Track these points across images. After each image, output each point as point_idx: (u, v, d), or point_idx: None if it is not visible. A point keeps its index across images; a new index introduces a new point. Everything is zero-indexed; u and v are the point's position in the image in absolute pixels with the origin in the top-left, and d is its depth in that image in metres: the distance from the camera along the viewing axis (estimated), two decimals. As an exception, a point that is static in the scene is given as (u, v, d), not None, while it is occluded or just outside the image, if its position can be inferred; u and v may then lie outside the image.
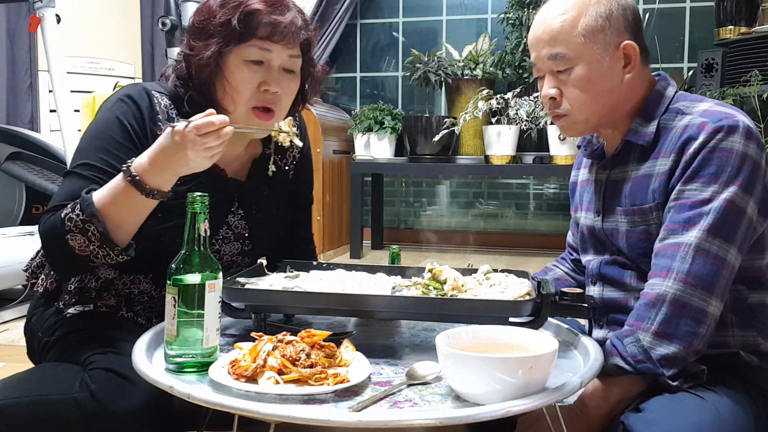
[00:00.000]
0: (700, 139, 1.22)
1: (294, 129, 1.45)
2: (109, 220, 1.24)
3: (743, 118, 1.24)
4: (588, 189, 1.45)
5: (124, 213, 1.25)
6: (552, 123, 3.63)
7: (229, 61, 1.35)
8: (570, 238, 1.64)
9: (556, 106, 1.34)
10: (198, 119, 1.18)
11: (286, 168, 1.58)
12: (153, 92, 1.39)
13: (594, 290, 1.41)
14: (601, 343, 1.31)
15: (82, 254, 1.27)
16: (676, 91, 1.35)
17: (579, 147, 1.51)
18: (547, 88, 1.34)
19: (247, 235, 1.49)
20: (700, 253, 1.18)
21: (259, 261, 1.42)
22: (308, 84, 1.48)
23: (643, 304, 1.20)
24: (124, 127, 1.34)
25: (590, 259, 1.44)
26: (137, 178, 1.22)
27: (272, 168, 1.48)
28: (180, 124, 1.18)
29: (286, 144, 1.41)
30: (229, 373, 1.03)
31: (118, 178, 1.24)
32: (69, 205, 1.26)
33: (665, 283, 1.19)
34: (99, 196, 1.25)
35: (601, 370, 1.18)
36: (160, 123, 1.37)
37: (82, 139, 1.38)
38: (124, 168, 1.23)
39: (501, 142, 3.86)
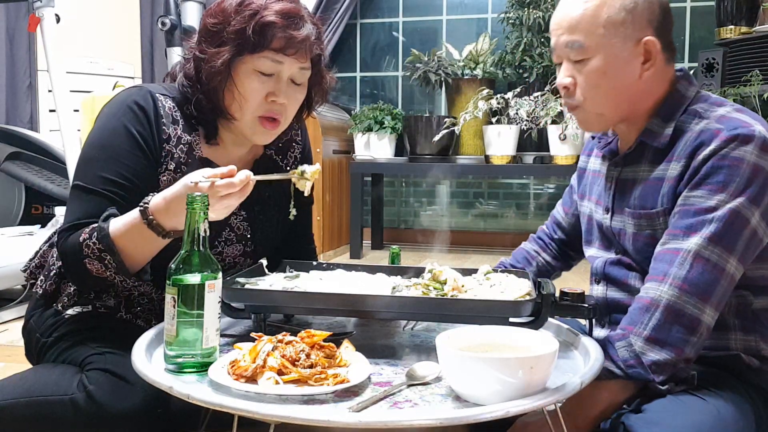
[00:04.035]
0: (712, 146, 1.19)
1: (317, 175, 1.38)
2: (124, 253, 1.25)
3: (761, 128, 1.20)
4: (598, 182, 1.43)
5: (139, 248, 1.26)
6: (553, 123, 3.64)
7: (239, 69, 1.34)
8: (559, 215, 1.62)
9: (570, 95, 1.31)
10: (220, 180, 1.18)
11: (288, 169, 1.58)
12: (157, 95, 1.38)
13: (598, 289, 1.40)
14: (603, 342, 1.30)
15: (100, 276, 1.29)
16: (698, 92, 1.31)
17: (593, 137, 1.48)
18: (562, 77, 1.31)
19: (249, 236, 1.49)
20: (698, 260, 1.17)
21: (259, 261, 1.42)
22: (315, 93, 1.47)
23: (637, 308, 1.19)
24: (134, 136, 1.34)
25: (594, 256, 1.43)
26: (154, 221, 1.22)
27: (293, 212, 1.42)
28: (204, 183, 1.17)
29: (303, 189, 1.36)
30: (229, 374, 1.02)
31: (135, 217, 1.24)
32: (87, 231, 1.26)
33: (661, 288, 1.18)
34: (115, 228, 1.25)
35: None
36: (165, 126, 1.37)
37: (90, 147, 1.36)
38: (141, 209, 1.23)
39: (501, 142, 3.85)
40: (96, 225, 1.26)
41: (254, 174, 1.48)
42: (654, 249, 1.25)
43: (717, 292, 1.17)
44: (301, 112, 1.50)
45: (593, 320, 1.25)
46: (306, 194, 1.37)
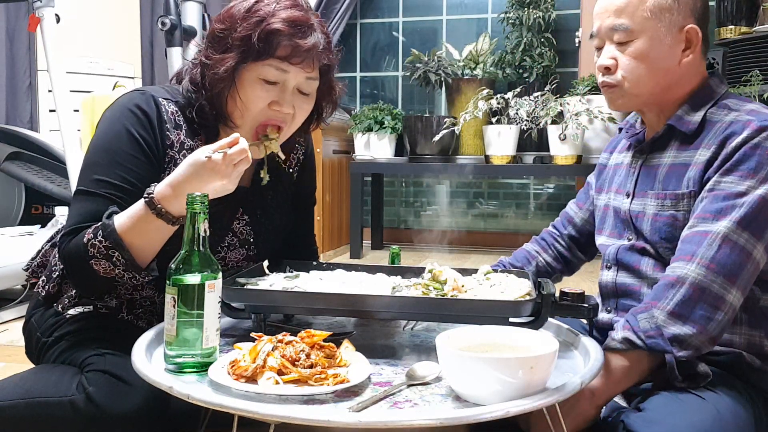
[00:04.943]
0: (744, 134, 1.23)
1: (276, 135, 1.39)
2: (133, 247, 1.24)
3: None
4: (620, 172, 1.46)
5: (148, 239, 1.26)
6: (553, 123, 3.64)
7: (243, 76, 1.32)
8: (571, 211, 1.64)
9: (609, 74, 1.35)
10: (229, 148, 1.20)
11: (290, 170, 1.57)
12: (160, 99, 1.37)
13: (608, 274, 1.41)
14: (607, 327, 1.31)
15: (108, 276, 1.28)
16: (727, 90, 1.36)
17: (620, 130, 1.52)
18: (604, 58, 1.35)
19: (252, 240, 1.48)
20: (727, 242, 1.19)
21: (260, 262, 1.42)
22: (324, 104, 1.46)
23: (663, 285, 1.21)
24: (137, 140, 1.32)
25: (605, 244, 1.44)
26: (163, 210, 1.22)
27: (266, 177, 1.41)
28: (216, 156, 1.19)
29: (276, 150, 1.37)
30: (229, 374, 1.03)
31: (140, 208, 1.23)
32: (90, 230, 1.25)
33: (688, 267, 1.19)
34: (121, 222, 1.24)
35: (610, 345, 1.20)
36: (168, 132, 1.36)
37: (92, 151, 1.35)
38: (147, 199, 1.22)
39: (501, 142, 3.85)
40: (99, 224, 1.25)
41: (256, 179, 1.48)
42: (671, 229, 1.29)
43: (743, 275, 1.19)
44: (309, 123, 1.48)
45: (593, 320, 1.25)
46: (282, 156, 1.38)
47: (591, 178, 1.61)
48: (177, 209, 1.22)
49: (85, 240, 1.25)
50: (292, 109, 1.35)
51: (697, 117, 1.31)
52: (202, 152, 1.20)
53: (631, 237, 1.38)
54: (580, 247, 1.63)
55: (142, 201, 1.23)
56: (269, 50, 1.30)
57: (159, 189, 1.23)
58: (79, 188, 1.33)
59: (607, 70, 1.35)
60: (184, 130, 1.38)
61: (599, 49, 1.38)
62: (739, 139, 1.23)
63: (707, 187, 1.25)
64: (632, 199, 1.38)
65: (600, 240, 1.48)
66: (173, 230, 1.26)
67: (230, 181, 1.22)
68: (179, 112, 1.39)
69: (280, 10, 1.31)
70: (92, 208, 1.29)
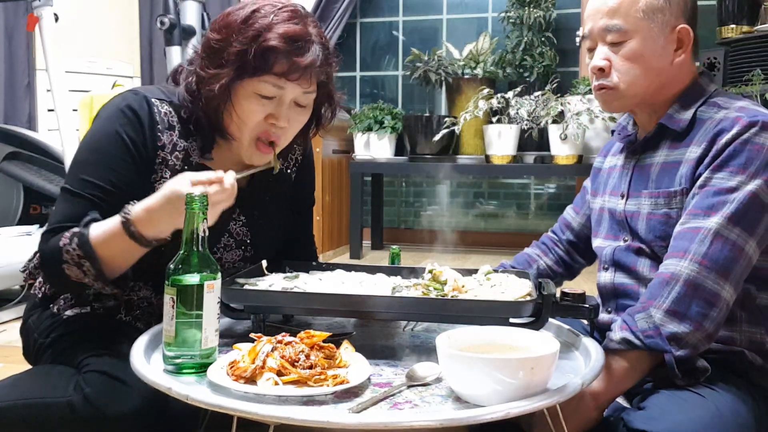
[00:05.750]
0: (734, 131, 1.24)
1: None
2: (104, 260, 1.24)
3: None
4: (614, 175, 1.47)
5: (119, 256, 1.25)
6: (553, 123, 3.64)
7: (239, 91, 1.30)
8: (569, 216, 1.65)
9: (604, 76, 1.36)
10: (211, 188, 1.17)
11: (288, 171, 1.57)
12: (153, 100, 1.35)
13: (606, 276, 1.41)
14: (606, 326, 1.30)
15: (79, 282, 1.28)
16: (717, 89, 1.37)
17: (612, 132, 1.53)
18: (598, 59, 1.35)
19: (248, 241, 1.47)
20: (719, 238, 1.19)
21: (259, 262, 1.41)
22: (323, 111, 1.44)
23: (657, 283, 1.22)
24: (125, 142, 1.31)
25: (602, 246, 1.45)
26: (136, 233, 1.21)
27: (277, 166, 1.39)
28: (195, 191, 1.15)
29: (278, 165, 1.38)
30: (228, 374, 1.02)
31: (116, 224, 1.22)
32: (68, 234, 1.25)
33: (681, 264, 1.20)
34: (96, 234, 1.23)
35: (609, 345, 1.20)
36: (160, 133, 1.35)
37: (81, 150, 1.35)
38: (123, 219, 1.21)
39: (501, 142, 3.85)
40: (77, 230, 1.25)
41: (253, 180, 1.47)
42: (666, 227, 1.29)
43: (736, 271, 1.20)
44: (308, 131, 1.47)
45: (594, 321, 1.24)
46: (278, 167, 1.38)
47: (587, 183, 1.62)
48: (152, 233, 1.22)
49: (61, 244, 1.25)
50: (287, 122, 1.33)
51: (688, 115, 1.32)
52: (183, 185, 1.17)
53: (626, 238, 1.39)
54: (579, 251, 1.64)
55: (118, 218, 1.22)
56: (265, 67, 1.27)
57: (136, 211, 1.21)
58: (65, 186, 1.33)
59: (601, 72, 1.35)
60: (177, 131, 1.37)
61: (591, 50, 1.38)
62: (729, 136, 1.24)
63: (698, 183, 1.25)
64: (627, 200, 1.39)
65: (596, 242, 1.48)
66: (144, 251, 1.25)
67: (212, 216, 1.17)
68: (173, 113, 1.37)
69: (277, 23, 1.28)
70: (75, 211, 1.28)
